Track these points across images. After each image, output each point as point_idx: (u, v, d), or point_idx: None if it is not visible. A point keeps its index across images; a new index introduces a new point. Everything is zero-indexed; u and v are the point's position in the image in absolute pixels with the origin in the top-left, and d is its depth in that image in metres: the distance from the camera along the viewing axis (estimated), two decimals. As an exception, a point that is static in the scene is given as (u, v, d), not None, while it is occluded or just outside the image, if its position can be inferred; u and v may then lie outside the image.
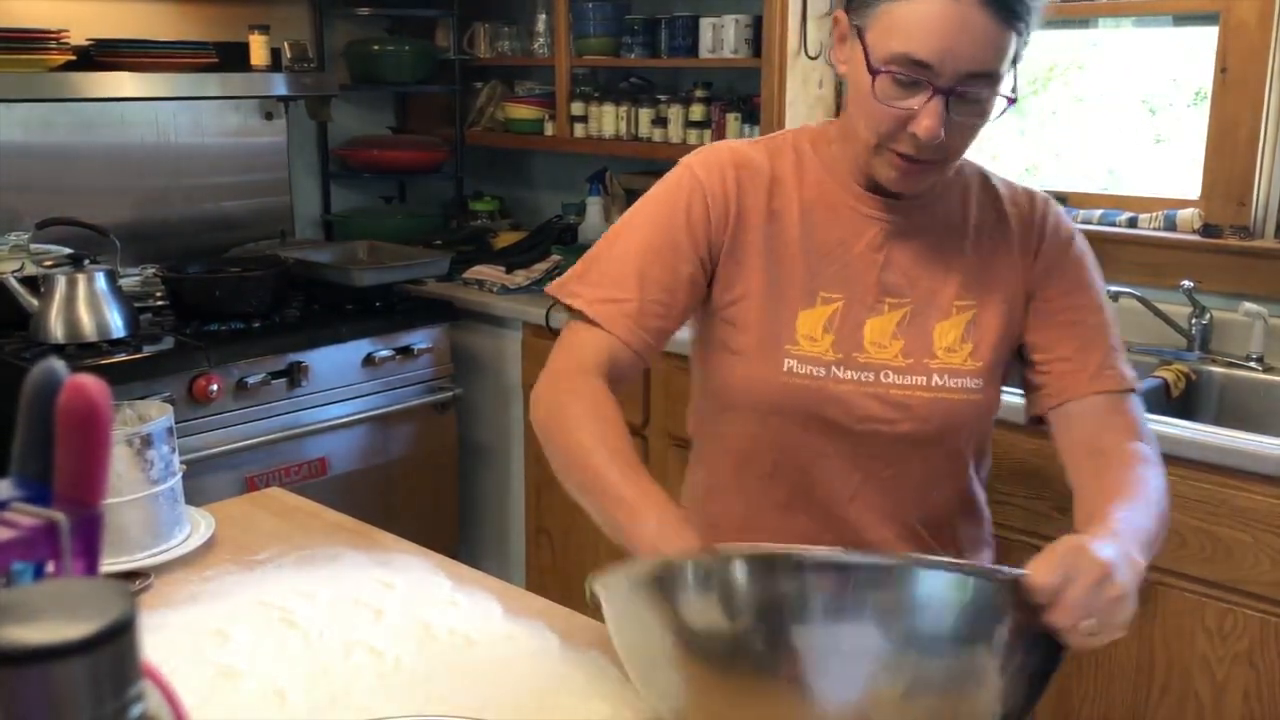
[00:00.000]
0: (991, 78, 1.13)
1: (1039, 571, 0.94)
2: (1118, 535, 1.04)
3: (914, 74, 1.12)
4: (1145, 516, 1.12)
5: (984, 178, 1.33)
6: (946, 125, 1.13)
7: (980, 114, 1.15)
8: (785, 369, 1.24)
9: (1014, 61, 1.16)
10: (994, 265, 1.27)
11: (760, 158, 1.30)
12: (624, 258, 1.26)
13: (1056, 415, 1.27)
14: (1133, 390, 1.27)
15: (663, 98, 3.12)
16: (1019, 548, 2.16)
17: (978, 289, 1.26)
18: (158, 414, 1.48)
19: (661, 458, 2.68)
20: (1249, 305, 2.33)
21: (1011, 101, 1.15)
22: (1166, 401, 2.25)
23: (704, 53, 2.98)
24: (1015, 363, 1.33)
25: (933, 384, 1.23)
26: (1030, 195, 1.32)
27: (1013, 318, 1.27)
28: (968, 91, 1.12)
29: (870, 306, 1.25)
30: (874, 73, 1.15)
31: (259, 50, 3.06)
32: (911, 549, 1.29)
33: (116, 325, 2.53)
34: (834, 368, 1.24)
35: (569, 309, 1.28)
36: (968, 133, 1.17)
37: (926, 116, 1.13)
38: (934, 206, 1.27)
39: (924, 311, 1.25)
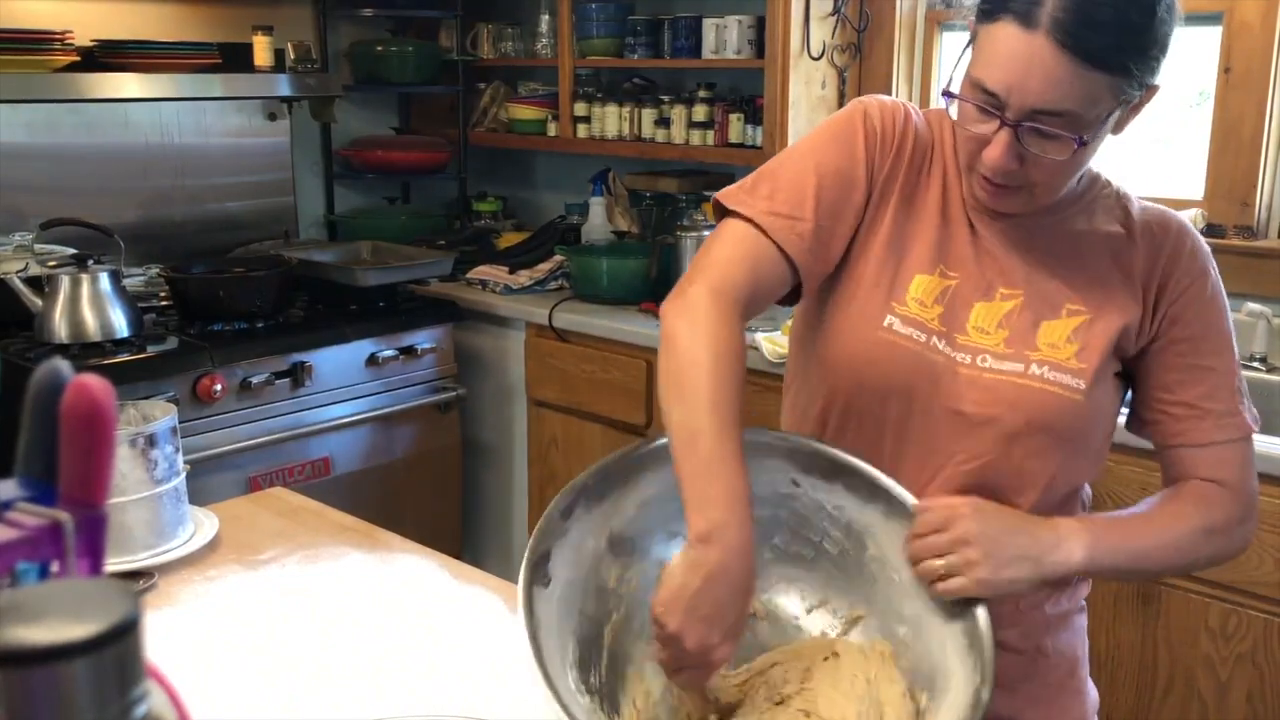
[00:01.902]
0: (1066, 117, 1.07)
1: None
2: (1063, 524, 1.13)
3: (982, 101, 1.10)
4: (1142, 534, 1.17)
5: (1120, 196, 1.26)
6: (1022, 157, 1.10)
7: (1061, 151, 1.09)
8: (885, 324, 1.19)
9: (1126, 102, 1.10)
10: (1111, 282, 1.21)
11: (924, 124, 1.27)
12: (800, 177, 1.20)
13: (1169, 453, 1.24)
14: (1251, 434, 1.23)
15: (666, 98, 3.12)
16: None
17: (1092, 299, 1.20)
18: (161, 414, 1.49)
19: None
20: (1253, 305, 2.33)
21: (1082, 144, 1.08)
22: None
23: (707, 53, 2.98)
24: (1125, 386, 1.25)
25: (1029, 373, 1.17)
26: (1165, 223, 1.23)
27: (1126, 338, 1.20)
28: (1041, 128, 1.08)
29: (982, 291, 1.20)
30: (946, 95, 1.14)
31: (263, 51, 3.06)
32: None
33: (120, 325, 2.54)
34: (935, 338, 1.18)
35: (734, 215, 1.20)
36: (1054, 167, 1.11)
37: (994, 146, 1.10)
38: (1060, 214, 1.22)
39: (1034, 307, 1.20)
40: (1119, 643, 2.06)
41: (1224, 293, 1.23)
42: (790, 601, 1.16)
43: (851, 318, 1.21)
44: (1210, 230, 2.43)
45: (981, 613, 1.08)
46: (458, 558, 1.52)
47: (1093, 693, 1.33)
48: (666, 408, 1.08)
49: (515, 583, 1.48)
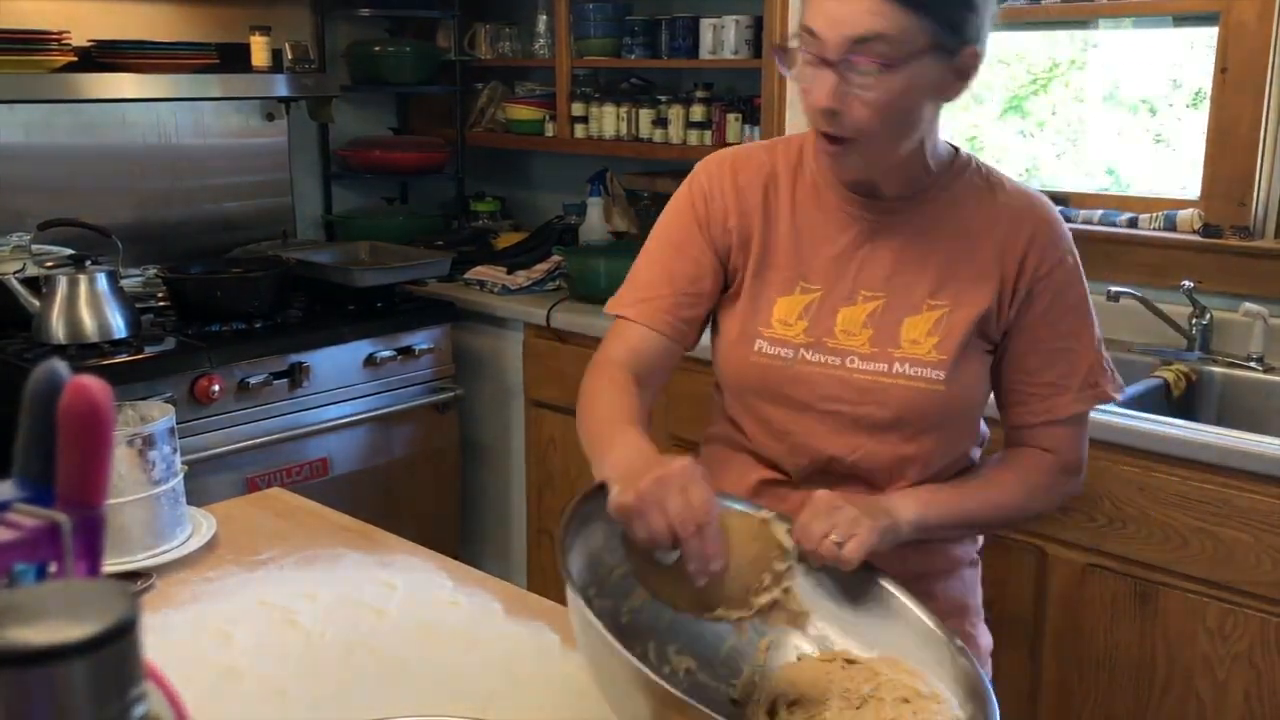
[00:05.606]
0: (879, 41, 1.14)
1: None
2: (894, 498, 1.26)
3: (808, 46, 1.18)
4: (966, 499, 1.31)
5: (987, 175, 1.35)
6: (842, 98, 1.17)
7: (873, 86, 1.16)
8: (755, 349, 1.33)
9: (941, 48, 1.17)
10: (971, 269, 1.30)
11: (763, 156, 1.39)
12: (653, 263, 1.40)
13: (1027, 432, 1.37)
14: (1108, 402, 1.36)
15: (663, 98, 3.12)
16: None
17: (954, 289, 1.30)
18: (159, 414, 1.49)
19: (662, 458, 2.67)
20: (1249, 305, 2.33)
21: (886, 67, 1.15)
22: (1167, 402, 2.25)
23: (704, 53, 2.98)
24: (989, 364, 1.36)
25: (894, 371, 1.29)
26: (1030, 205, 1.33)
27: (986, 324, 1.31)
28: (858, 60, 1.15)
29: (845, 297, 1.32)
30: (779, 49, 1.24)
31: (260, 51, 3.06)
32: None
33: (118, 326, 2.54)
34: (802, 350, 1.32)
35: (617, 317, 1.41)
36: (870, 107, 1.18)
37: (816, 88, 1.19)
38: (921, 208, 1.32)
39: (896, 306, 1.31)
40: (1117, 642, 2.06)
41: (1083, 273, 1.34)
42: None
43: (727, 346, 1.37)
44: (1207, 230, 2.44)
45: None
46: (455, 558, 1.52)
47: (986, 638, 1.46)
48: (583, 441, 1.26)
49: (513, 583, 1.48)
